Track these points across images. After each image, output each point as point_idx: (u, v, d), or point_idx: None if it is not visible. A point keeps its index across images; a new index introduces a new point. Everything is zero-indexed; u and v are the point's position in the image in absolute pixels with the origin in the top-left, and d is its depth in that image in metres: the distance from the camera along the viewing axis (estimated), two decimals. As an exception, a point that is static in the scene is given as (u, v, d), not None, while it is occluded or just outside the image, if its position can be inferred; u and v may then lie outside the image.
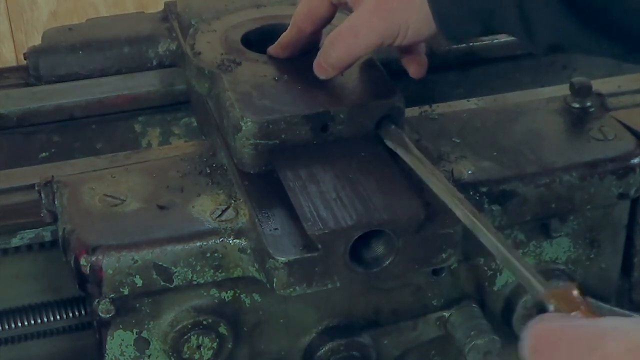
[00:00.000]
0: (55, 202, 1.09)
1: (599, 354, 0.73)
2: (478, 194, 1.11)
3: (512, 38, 1.40)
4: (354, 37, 1.09)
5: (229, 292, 1.08)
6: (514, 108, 1.25)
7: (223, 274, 1.05)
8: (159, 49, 1.37)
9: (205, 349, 1.08)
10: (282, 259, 0.98)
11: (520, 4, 1.02)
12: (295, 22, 1.15)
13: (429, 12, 1.06)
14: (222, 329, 1.08)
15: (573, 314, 0.86)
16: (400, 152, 1.07)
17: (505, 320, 1.20)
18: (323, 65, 1.12)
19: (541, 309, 0.89)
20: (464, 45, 1.42)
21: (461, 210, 0.99)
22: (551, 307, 0.88)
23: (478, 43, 1.42)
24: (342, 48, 1.10)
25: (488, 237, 0.97)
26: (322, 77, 1.13)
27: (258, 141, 1.07)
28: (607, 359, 0.72)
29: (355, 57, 1.11)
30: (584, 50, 1.07)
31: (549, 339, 0.79)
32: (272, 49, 1.18)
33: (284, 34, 1.17)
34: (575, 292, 0.88)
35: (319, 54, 1.13)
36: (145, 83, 1.33)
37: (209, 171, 1.12)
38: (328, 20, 1.15)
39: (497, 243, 0.96)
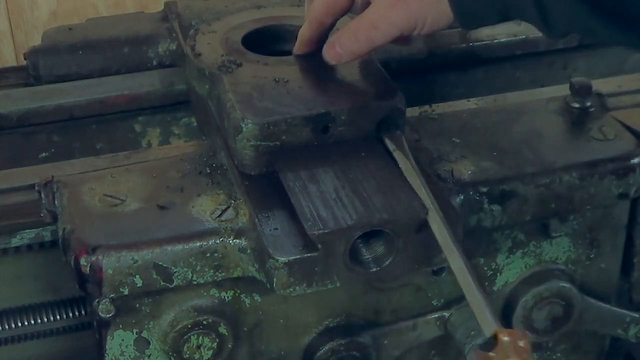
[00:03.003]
0: (55, 202, 1.09)
1: None
2: (478, 194, 1.11)
3: (513, 38, 1.42)
4: (375, 29, 1.09)
5: (229, 292, 1.08)
6: (514, 108, 1.25)
7: (223, 274, 1.05)
8: (159, 49, 1.37)
9: (205, 349, 1.08)
10: (282, 259, 0.98)
11: None
12: (315, 17, 1.15)
13: (447, 2, 1.06)
14: (222, 329, 1.08)
15: None
16: (396, 156, 1.08)
17: (505, 321, 1.20)
18: (339, 50, 1.12)
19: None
20: (463, 45, 1.42)
21: (437, 227, 1.00)
22: (495, 347, 0.89)
23: (478, 43, 1.42)
24: (364, 38, 1.10)
25: (455, 258, 0.98)
26: (333, 62, 1.13)
27: (259, 143, 1.07)
28: None
29: (375, 47, 1.11)
30: (599, 38, 1.07)
31: None
32: (296, 48, 1.18)
33: (302, 30, 1.17)
34: (523, 343, 0.89)
35: (332, 39, 1.13)
36: (145, 83, 1.33)
37: (209, 171, 1.12)
38: (347, 11, 1.15)
39: (464, 267, 0.97)
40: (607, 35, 1.04)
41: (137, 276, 1.02)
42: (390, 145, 1.09)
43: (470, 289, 0.96)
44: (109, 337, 1.06)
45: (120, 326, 1.06)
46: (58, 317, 1.16)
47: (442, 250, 0.99)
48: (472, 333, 1.14)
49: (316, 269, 0.99)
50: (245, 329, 1.11)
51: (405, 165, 1.06)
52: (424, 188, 1.03)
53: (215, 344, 1.08)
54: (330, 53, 1.13)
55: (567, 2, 1.01)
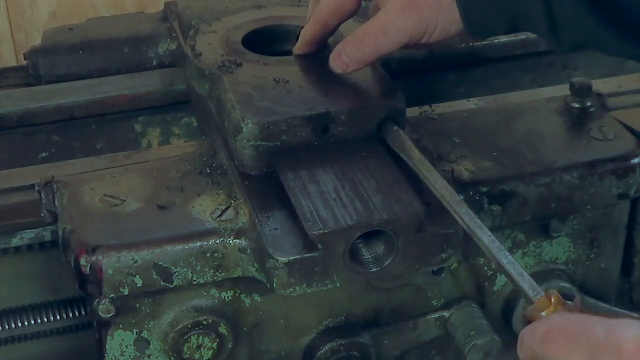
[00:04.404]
0: (55, 202, 1.09)
1: (614, 344, 0.75)
2: (478, 194, 1.11)
3: (513, 38, 1.42)
4: (383, 35, 1.09)
5: (229, 292, 1.08)
6: (514, 108, 1.25)
7: (223, 274, 1.05)
8: (159, 49, 1.37)
9: (205, 349, 1.08)
10: (282, 259, 0.98)
11: (547, 3, 1.02)
12: (320, 18, 1.15)
13: (457, 10, 1.06)
14: (222, 329, 1.08)
15: None
16: (402, 154, 1.08)
17: (505, 320, 1.20)
18: (344, 59, 1.12)
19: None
20: (463, 45, 1.42)
21: (459, 214, 1.00)
22: (544, 314, 0.88)
23: (478, 43, 1.42)
24: (371, 46, 1.10)
25: (485, 243, 0.97)
26: (338, 70, 1.13)
27: (259, 143, 1.07)
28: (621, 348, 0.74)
29: (382, 55, 1.11)
30: (608, 50, 1.08)
31: (563, 330, 0.80)
32: (297, 48, 1.18)
33: (305, 30, 1.17)
34: (570, 302, 0.88)
35: (339, 48, 1.12)
36: (145, 83, 1.33)
37: (209, 171, 1.12)
38: (353, 14, 1.15)
39: (493, 245, 0.97)
40: (618, 49, 1.04)
41: (137, 276, 1.02)
42: (394, 143, 1.08)
43: (504, 264, 0.95)
44: (109, 337, 1.06)
45: (120, 326, 1.06)
46: (58, 317, 1.16)
47: (467, 232, 0.98)
48: (472, 333, 1.14)
49: (316, 269, 0.99)
50: (245, 329, 1.11)
51: (413, 157, 1.06)
52: (436, 175, 1.03)
53: (215, 344, 1.08)
54: (337, 62, 1.13)
55: (579, 13, 1.01)
